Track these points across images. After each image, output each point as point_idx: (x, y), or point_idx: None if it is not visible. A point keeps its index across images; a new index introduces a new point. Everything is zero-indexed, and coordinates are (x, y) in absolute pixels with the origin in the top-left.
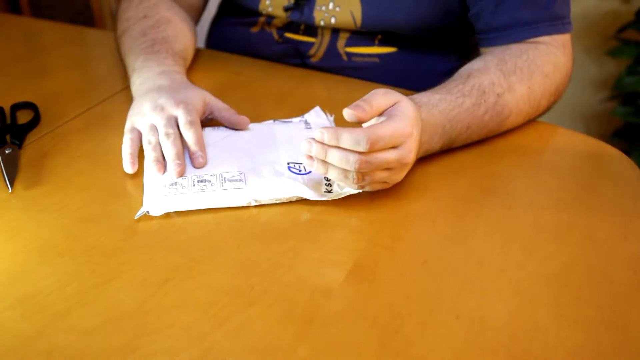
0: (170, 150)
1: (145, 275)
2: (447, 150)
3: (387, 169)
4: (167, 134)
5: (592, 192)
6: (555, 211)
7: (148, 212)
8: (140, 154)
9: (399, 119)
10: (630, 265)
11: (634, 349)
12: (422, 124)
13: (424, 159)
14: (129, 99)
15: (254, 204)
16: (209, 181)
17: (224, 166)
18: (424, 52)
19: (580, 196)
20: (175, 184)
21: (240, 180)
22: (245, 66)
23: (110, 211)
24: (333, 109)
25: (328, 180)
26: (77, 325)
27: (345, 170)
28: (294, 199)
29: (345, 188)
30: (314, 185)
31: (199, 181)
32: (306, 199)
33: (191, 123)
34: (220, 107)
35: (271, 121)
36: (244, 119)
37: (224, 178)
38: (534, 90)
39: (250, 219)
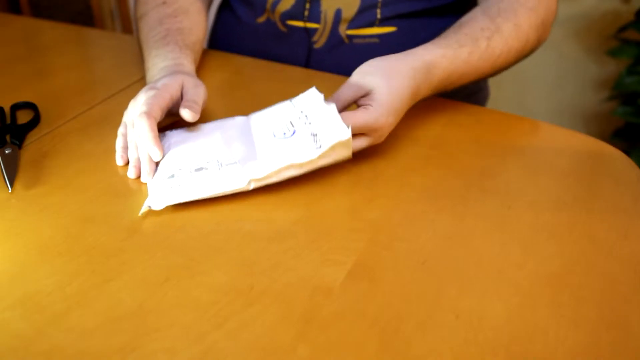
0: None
1: (145, 275)
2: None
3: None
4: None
5: (592, 192)
6: (555, 211)
7: (150, 206)
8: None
9: (373, 110)
10: (630, 265)
11: (634, 349)
12: (418, 88)
13: (424, 159)
14: (129, 99)
15: (253, 185)
16: (206, 168)
17: (219, 153)
18: (423, 33)
19: (580, 196)
20: (173, 176)
21: (236, 162)
22: (245, 65)
23: (110, 211)
24: None
25: (315, 134)
26: (77, 325)
27: None
28: (293, 172)
29: (334, 138)
30: (305, 145)
31: (196, 169)
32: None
33: (141, 115)
34: (188, 96)
35: (257, 111)
36: (189, 113)
37: (221, 163)
38: (521, 25)
39: (250, 218)
